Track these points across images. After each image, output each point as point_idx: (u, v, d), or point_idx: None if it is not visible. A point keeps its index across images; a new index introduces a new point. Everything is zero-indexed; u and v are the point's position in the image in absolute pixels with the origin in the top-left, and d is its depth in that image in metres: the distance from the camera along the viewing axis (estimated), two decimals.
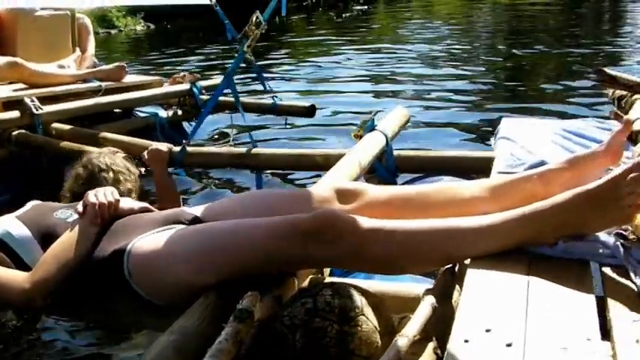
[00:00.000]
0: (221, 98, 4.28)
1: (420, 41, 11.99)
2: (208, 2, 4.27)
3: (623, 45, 10.77)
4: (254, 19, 3.67)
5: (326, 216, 1.81)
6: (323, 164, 3.47)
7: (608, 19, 17.09)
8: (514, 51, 10.28)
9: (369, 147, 3.42)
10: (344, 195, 2.10)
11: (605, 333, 1.46)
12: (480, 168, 3.00)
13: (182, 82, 5.65)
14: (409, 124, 4.15)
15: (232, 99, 4.25)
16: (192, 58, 11.16)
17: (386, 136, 3.57)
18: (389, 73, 8.77)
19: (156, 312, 2.02)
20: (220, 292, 1.89)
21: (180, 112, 5.61)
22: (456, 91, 7.35)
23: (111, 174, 2.77)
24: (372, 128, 3.62)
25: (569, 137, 2.91)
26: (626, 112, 3.22)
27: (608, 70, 3.39)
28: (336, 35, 13.52)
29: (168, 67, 9.35)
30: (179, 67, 8.98)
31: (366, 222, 1.83)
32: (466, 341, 1.40)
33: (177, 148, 3.81)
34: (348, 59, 10.14)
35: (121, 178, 2.79)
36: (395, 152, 3.69)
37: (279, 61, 10.26)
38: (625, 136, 2.05)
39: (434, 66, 9.35)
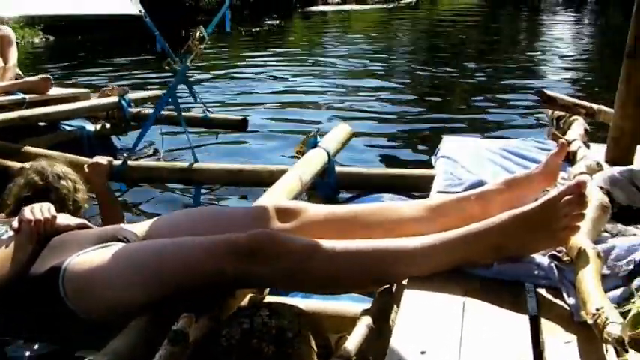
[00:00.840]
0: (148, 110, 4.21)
1: (340, 56, 11.89)
2: (137, 13, 4.19)
3: (538, 61, 11.13)
4: (197, 34, 3.65)
5: (262, 236, 1.80)
6: (265, 180, 3.46)
7: (525, 35, 17.45)
8: (433, 67, 10.34)
9: (311, 164, 3.43)
10: (283, 214, 2.09)
11: (539, 354, 1.48)
12: (420, 186, 3.02)
13: (110, 95, 5.52)
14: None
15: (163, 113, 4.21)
16: (92, 70, 10.77)
17: (328, 153, 3.58)
18: (310, 87, 8.79)
19: (91, 331, 1.98)
20: (156, 312, 1.86)
21: (108, 126, 5.49)
22: (379, 104, 7.49)
23: (70, 183, 2.68)
24: (315, 145, 3.62)
25: (508, 157, 2.94)
26: (565, 133, 3.27)
27: (547, 91, 3.46)
28: (251, 50, 13.25)
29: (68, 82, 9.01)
30: (80, 80, 8.78)
31: (302, 242, 1.83)
32: None
33: (119, 162, 3.77)
34: (262, 74, 10.00)
35: (78, 187, 2.71)
36: (337, 169, 3.70)
37: (198, 76, 10.04)
38: (560, 159, 2.08)
39: (356, 78, 9.40)
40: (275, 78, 9.54)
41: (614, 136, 2.91)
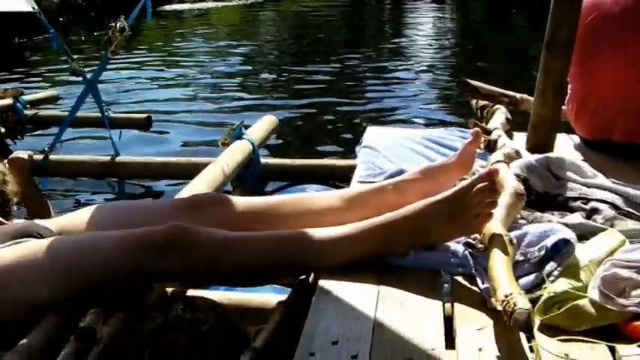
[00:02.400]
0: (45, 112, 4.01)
1: (205, 53, 11.33)
2: (31, 10, 4.04)
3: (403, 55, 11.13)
4: (118, 25, 3.59)
5: (175, 229, 1.77)
6: (189, 173, 3.41)
7: (389, 28, 17.37)
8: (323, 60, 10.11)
9: (236, 155, 3.40)
10: (200, 206, 2.06)
11: (452, 341, 1.48)
12: (346, 176, 3.00)
13: (3, 97, 5.24)
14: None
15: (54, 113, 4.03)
16: None
17: (253, 144, 3.56)
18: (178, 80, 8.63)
19: (6, 331, 1.92)
20: (70, 308, 1.82)
21: (2, 130, 5.20)
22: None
23: None
24: (240, 136, 3.59)
25: (431, 146, 2.95)
26: (488, 122, 3.30)
27: (470, 80, 3.48)
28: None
29: None
30: None
31: (216, 234, 1.80)
32: (311, 354, 1.39)
33: (40, 156, 3.69)
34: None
35: (7, 179, 2.61)
36: (262, 160, 3.68)
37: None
38: (475, 147, 2.09)
39: (234, 76, 9.12)
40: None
41: (534, 124, 2.94)
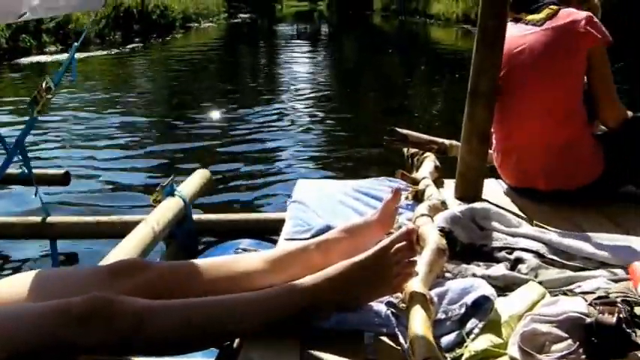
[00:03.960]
0: None
1: (90, 106, 9.94)
2: None
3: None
4: (44, 84, 3.54)
5: (96, 300, 1.73)
6: (120, 231, 3.36)
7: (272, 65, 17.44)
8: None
9: (167, 212, 3.36)
10: (122, 273, 2.01)
11: None
12: (277, 229, 2.98)
13: None
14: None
15: None
16: None
17: (184, 200, 3.52)
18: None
19: None
20: None
21: None
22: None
23: None
24: (171, 192, 3.56)
25: (360, 198, 2.94)
26: (418, 169, 3.32)
27: (399, 129, 3.50)
28: None
29: None
30: None
31: (139, 303, 1.76)
32: None
33: None
34: None
35: None
36: (195, 216, 3.64)
37: None
38: (395, 204, 2.09)
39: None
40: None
41: (461, 172, 2.98)
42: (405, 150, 3.66)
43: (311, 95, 10.86)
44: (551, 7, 2.90)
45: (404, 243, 1.72)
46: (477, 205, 2.41)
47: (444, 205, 2.54)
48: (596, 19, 2.81)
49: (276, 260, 2.01)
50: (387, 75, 14.64)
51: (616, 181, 2.96)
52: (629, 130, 2.91)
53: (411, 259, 1.73)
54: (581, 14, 2.81)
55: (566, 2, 2.94)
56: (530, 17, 2.95)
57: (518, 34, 2.92)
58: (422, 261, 1.87)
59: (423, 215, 2.28)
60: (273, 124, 8.41)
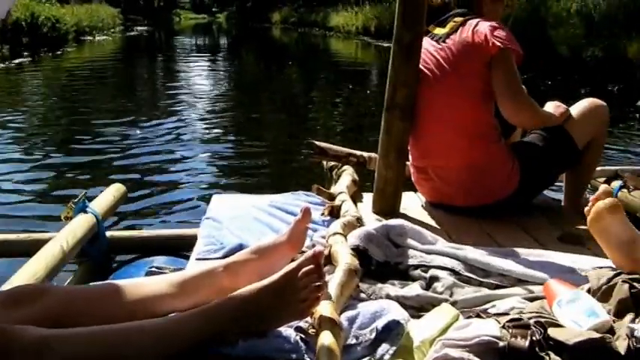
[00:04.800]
0: None
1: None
2: None
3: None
4: None
5: None
6: (28, 250, 3.22)
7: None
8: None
9: (78, 230, 3.23)
10: (20, 300, 1.91)
11: None
12: (191, 246, 2.89)
13: None
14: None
15: None
16: None
17: (97, 216, 3.40)
18: None
19: None
20: None
21: None
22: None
23: None
24: (83, 209, 3.42)
25: (275, 214, 2.87)
26: (336, 182, 3.27)
27: (318, 142, 3.45)
28: None
29: None
30: None
31: (36, 333, 1.65)
32: None
33: None
34: None
35: None
36: (108, 233, 3.52)
37: None
38: (305, 224, 2.03)
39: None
40: None
41: (378, 187, 2.93)
42: (325, 163, 3.61)
43: (215, 108, 10.54)
44: (456, 19, 2.86)
45: (311, 267, 1.66)
46: (392, 221, 2.37)
47: (359, 221, 2.49)
48: (500, 29, 2.75)
49: (182, 284, 1.93)
50: (289, 87, 14.42)
51: (532, 192, 2.97)
52: (543, 138, 2.90)
53: (318, 283, 1.67)
54: (483, 26, 2.76)
55: (476, 10, 2.90)
56: (437, 31, 2.92)
57: (426, 50, 2.89)
58: (333, 283, 1.81)
59: (336, 234, 2.23)
60: (181, 137, 8.05)
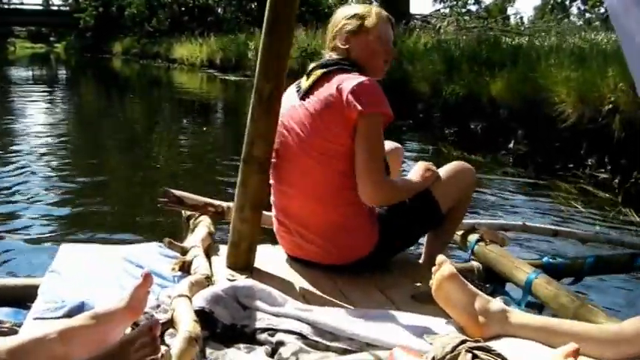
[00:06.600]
0: None
1: None
2: None
3: None
4: None
5: None
6: None
7: None
8: None
9: None
10: None
11: None
12: (31, 297, 2.71)
13: None
14: None
15: None
16: None
17: None
18: None
19: None
20: None
21: None
22: None
23: None
24: None
25: (125, 268, 2.75)
26: (193, 231, 3.19)
27: (174, 191, 3.35)
28: None
29: None
30: None
31: None
32: None
33: None
34: None
35: None
36: None
37: None
38: (146, 289, 1.94)
39: None
40: None
41: (233, 241, 2.85)
42: (183, 212, 3.52)
43: (54, 146, 9.48)
44: (317, 72, 2.77)
45: (146, 339, 1.58)
46: (241, 282, 2.31)
47: (208, 280, 2.42)
48: (368, 87, 2.64)
49: (11, 351, 1.80)
50: (133, 123, 13.64)
51: (391, 252, 2.96)
52: (407, 200, 2.87)
53: (152, 357, 1.59)
54: (347, 84, 2.64)
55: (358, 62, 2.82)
56: (303, 82, 2.84)
57: (288, 103, 2.82)
58: (172, 351, 1.73)
59: (180, 296, 2.15)
60: (16, 178, 7.07)
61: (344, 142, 2.67)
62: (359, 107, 2.59)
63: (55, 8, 66.14)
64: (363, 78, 2.67)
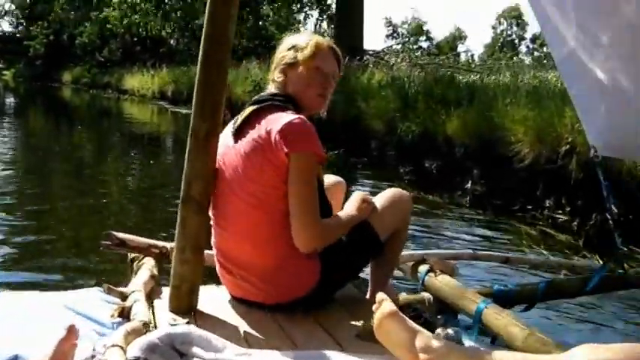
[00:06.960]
0: None
1: None
2: None
3: None
4: None
5: None
6: None
7: None
8: None
9: None
10: None
11: None
12: None
13: None
14: None
15: None
16: None
17: None
18: None
19: None
20: None
21: None
22: None
23: None
24: None
25: (64, 316, 2.66)
26: (136, 274, 3.13)
27: (117, 233, 3.29)
28: None
29: None
30: None
31: None
32: None
33: None
34: None
35: None
36: None
37: None
38: (71, 342, 1.89)
39: None
40: None
41: (174, 284, 2.78)
42: (128, 254, 3.45)
43: None
44: (249, 108, 2.74)
45: None
46: (178, 328, 2.25)
47: (146, 326, 2.36)
48: (298, 126, 2.61)
49: None
50: (79, 153, 13.45)
51: (334, 287, 2.92)
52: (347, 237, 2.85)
53: None
54: (277, 123, 2.60)
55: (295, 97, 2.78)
56: (239, 118, 2.78)
57: (224, 143, 2.78)
58: None
59: (114, 346, 2.09)
60: None
61: (277, 186, 2.63)
62: (285, 148, 2.56)
63: (4, 34, 65.13)
64: (293, 116, 2.63)
